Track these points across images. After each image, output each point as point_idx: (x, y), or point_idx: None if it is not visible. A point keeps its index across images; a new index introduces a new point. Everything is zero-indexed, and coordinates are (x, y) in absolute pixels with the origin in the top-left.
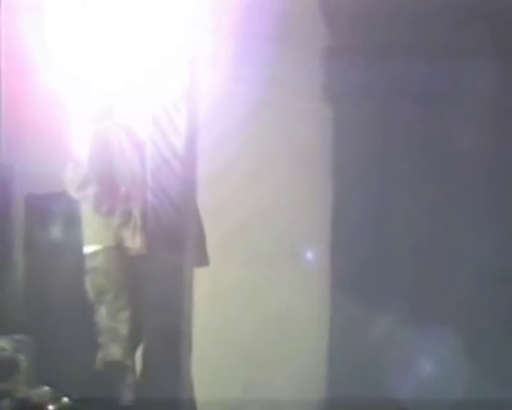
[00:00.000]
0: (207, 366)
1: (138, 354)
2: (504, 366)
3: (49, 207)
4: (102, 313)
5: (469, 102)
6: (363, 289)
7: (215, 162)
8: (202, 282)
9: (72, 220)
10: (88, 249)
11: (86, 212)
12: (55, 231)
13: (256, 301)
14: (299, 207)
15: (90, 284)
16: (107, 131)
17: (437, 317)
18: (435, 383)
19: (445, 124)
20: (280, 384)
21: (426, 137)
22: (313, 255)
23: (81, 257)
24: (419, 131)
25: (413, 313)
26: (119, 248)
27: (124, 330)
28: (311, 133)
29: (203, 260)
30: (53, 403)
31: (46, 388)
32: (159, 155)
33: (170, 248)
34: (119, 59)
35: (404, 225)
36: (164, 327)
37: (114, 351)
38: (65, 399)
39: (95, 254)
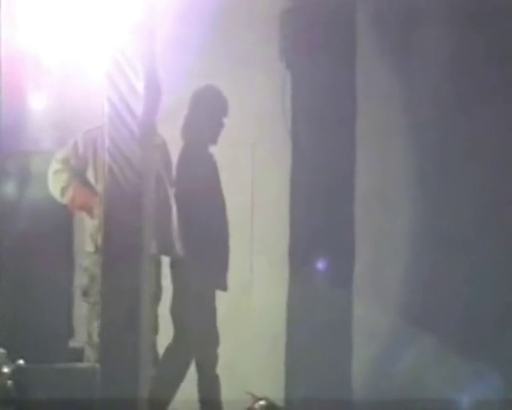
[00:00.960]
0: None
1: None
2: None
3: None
4: (84, 314)
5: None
6: (320, 252)
7: (174, 126)
8: None
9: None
10: (87, 248)
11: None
12: (20, 190)
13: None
14: (258, 169)
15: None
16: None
17: (396, 290)
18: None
19: (403, 80)
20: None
21: (383, 98)
22: (272, 219)
23: (45, 218)
24: (379, 93)
25: (372, 285)
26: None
27: (95, 337)
28: (270, 96)
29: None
30: (8, 365)
31: (1, 350)
32: (117, 118)
33: (129, 216)
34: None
35: (363, 183)
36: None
37: (88, 354)
38: (20, 361)
39: (88, 254)
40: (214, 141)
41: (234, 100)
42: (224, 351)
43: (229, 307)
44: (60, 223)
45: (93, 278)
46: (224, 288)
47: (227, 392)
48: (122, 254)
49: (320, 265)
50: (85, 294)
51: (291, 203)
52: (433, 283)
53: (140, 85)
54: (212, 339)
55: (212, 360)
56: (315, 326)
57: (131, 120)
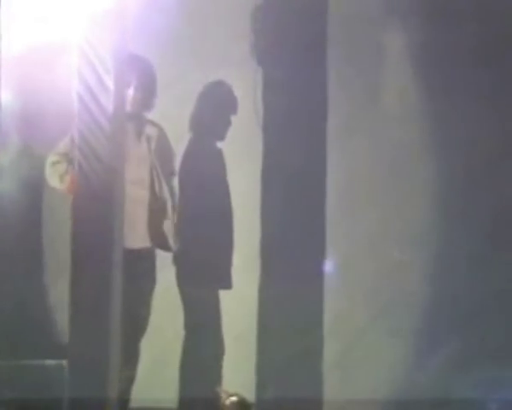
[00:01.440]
0: None
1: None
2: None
3: None
4: None
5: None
6: (291, 248)
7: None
8: None
9: None
10: None
11: None
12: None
13: None
14: (229, 165)
15: None
16: None
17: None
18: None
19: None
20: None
21: (355, 94)
22: (244, 215)
23: (12, 213)
24: (351, 89)
25: (343, 281)
26: None
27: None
28: (242, 92)
29: None
30: None
31: None
32: (87, 112)
33: (98, 211)
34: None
35: (334, 178)
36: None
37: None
38: None
39: None
40: (221, 137)
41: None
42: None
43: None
44: (28, 218)
45: None
46: (228, 286)
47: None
48: (92, 250)
49: (291, 260)
50: None
51: (262, 199)
52: (405, 278)
53: (109, 79)
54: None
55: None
56: (286, 323)
57: (101, 114)
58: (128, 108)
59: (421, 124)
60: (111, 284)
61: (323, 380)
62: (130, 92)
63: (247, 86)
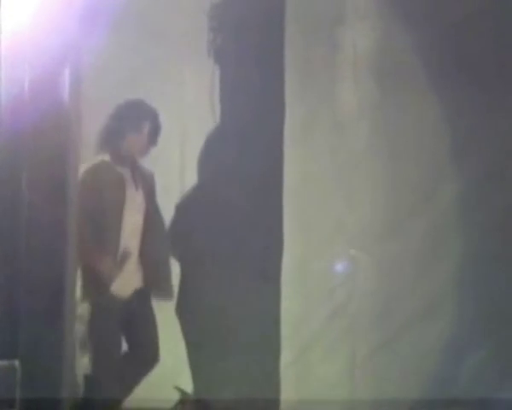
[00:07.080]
0: None
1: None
2: None
3: None
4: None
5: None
6: (248, 246)
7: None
8: None
9: None
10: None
11: None
12: None
13: None
14: (187, 165)
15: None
16: None
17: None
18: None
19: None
20: None
21: (313, 93)
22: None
23: None
24: (308, 87)
25: (300, 277)
26: None
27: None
28: (198, 92)
29: None
30: None
31: None
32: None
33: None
34: None
35: (292, 175)
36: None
37: None
38: None
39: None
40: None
41: (162, 96)
42: None
43: (156, 304)
44: None
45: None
46: None
47: (153, 390)
48: (45, 247)
49: (248, 257)
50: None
51: (219, 198)
52: (363, 273)
53: (64, 71)
54: None
55: None
56: (243, 323)
57: (56, 107)
58: (128, 151)
59: (378, 123)
60: (64, 282)
61: (280, 380)
62: (138, 136)
63: (204, 85)
